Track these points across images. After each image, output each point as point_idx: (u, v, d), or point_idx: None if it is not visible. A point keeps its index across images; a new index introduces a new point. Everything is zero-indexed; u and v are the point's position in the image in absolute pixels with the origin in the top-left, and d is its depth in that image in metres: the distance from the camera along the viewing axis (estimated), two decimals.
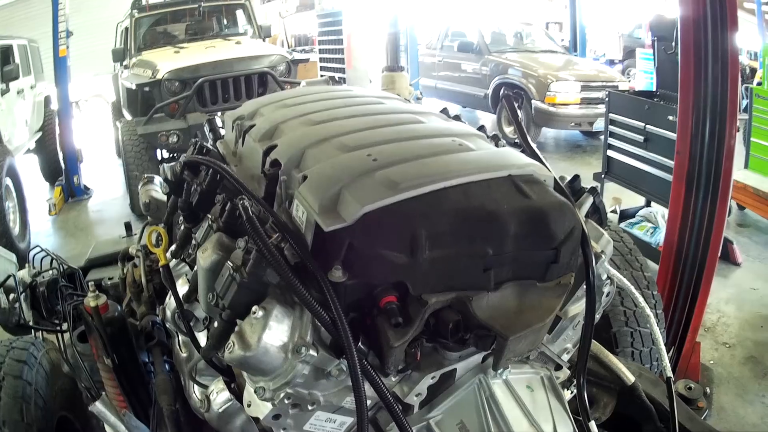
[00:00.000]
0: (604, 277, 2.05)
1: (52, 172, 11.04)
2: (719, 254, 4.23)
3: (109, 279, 3.46)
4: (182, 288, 2.18)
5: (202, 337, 2.11)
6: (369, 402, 1.61)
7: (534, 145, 2.15)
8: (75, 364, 2.66)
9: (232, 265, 1.59)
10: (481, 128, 2.31)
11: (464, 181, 1.64)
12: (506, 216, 1.58)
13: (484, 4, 22.60)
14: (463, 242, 1.55)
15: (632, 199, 7.16)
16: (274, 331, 1.52)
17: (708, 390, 4.28)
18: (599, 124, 10.26)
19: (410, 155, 1.77)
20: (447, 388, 1.89)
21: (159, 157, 8.75)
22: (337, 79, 3.40)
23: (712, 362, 4.75)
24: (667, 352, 2.59)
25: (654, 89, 7.35)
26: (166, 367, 2.61)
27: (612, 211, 6.97)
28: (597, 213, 2.09)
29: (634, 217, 6.91)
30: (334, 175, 1.67)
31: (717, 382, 4.51)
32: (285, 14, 23.23)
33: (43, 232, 8.71)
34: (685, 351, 4.24)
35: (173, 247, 2.35)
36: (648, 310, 2.52)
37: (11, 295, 2.88)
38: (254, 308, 1.53)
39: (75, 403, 2.97)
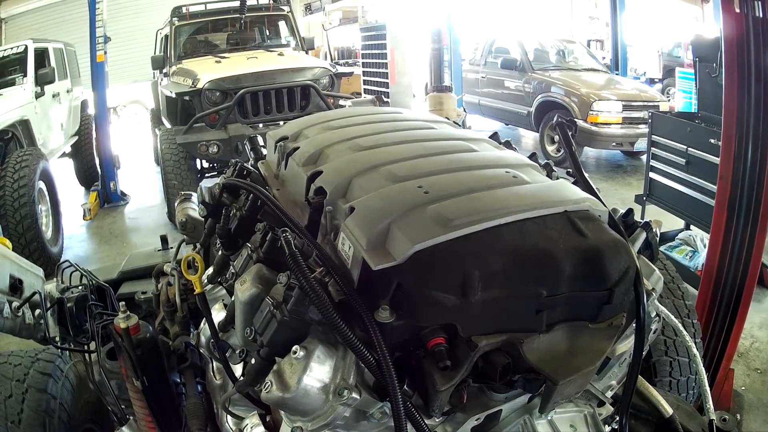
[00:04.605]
0: (653, 314, 1.97)
1: (87, 176, 11.13)
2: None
3: (143, 293, 3.41)
4: (219, 314, 2.12)
5: (238, 369, 2.05)
6: None
7: (587, 176, 2.08)
8: (101, 384, 2.60)
9: (272, 301, 1.52)
10: (533, 156, 2.23)
11: (519, 218, 1.56)
12: (562, 256, 1.51)
13: (526, 21, 22.59)
14: (517, 283, 1.48)
15: (672, 222, 7.02)
16: (315, 373, 1.46)
17: (738, 417, 4.18)
18: (640, 144, 10.12)
19: (463, 188, 1.70)
20: (491, 429, 1.80)
21: (198, 167, 8.73)
22: (383, 98, 3.33)
23: (743, 388, 4.64)
24: None
25: (694, 110, 7.20)
26: (198, 389, 2.55)
27: None
28: (649, 248, 2.00)
29: (673, 240, 6.77)
30: (383, 208, 1.61)
31: (747, 408, 4.41)
32: (328, 26, 23.19)
33: (76, 237, 8.75)
34: (719, 378, 4.15)
35: (209, 272, 2.29)
36: (695, 350, 2.42)
37: (37, 311, 2.81)
38: (295, 348, 1.46)
39: (101, 415, 2.92)
